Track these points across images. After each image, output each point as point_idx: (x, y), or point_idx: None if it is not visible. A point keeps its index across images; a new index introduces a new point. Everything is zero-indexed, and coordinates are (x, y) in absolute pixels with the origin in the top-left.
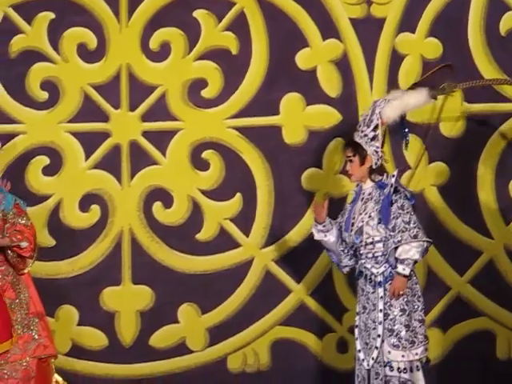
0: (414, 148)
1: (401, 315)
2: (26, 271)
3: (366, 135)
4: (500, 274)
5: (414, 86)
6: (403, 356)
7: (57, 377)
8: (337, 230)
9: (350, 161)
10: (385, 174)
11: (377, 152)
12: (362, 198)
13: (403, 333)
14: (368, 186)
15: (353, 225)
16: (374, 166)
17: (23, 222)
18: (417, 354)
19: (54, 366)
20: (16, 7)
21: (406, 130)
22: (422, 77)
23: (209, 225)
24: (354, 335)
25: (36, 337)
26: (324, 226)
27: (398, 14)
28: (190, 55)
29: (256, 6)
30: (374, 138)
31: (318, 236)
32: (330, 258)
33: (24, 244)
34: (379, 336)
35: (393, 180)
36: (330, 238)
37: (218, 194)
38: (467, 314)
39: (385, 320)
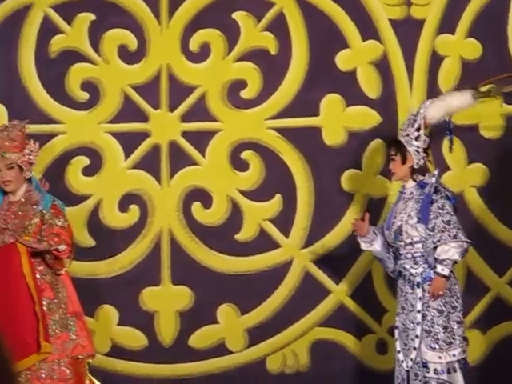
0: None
1: (438, 316)
2: (63, 272)
3: (408, 134)
4: None
5: (478, 90)
6: (440, 357)
7: (91, 377)
8: (382, 238)
9: (393, 159)
10: (427, 174)
11: (418, 152)
12: (404, 198)
13: (441, 334)
14: (410, 185)
15: (393, 224)
16: (415, 166)
17: (60, 223)
18: (454, 355)
19: (88, 365)
20: (56, 7)
21: (451, 131)
22: (490, 81)
23: (248, 225)
24: (394, 336)
25: (74, 337)
26: (368, 238)
27: (437, 15)
28: (229, 56)
29: (295, 6)
30: (417, 138)
31: (364, 246)
32: (383, 265)
33: (62, 247)
34: (417, 337)
35: (433, 179)
36: (376, 246)
37: (257, 194)
38: (507, 315)
39: (423, 321)
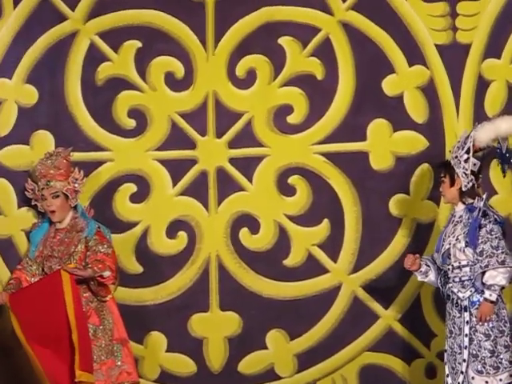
0: (499, 173)
1: (485, 340)
2: (108, 298)
3: (457, 157)
4: None
5: None
6: (487, 382)
7: None
8: (435, 267)
9: (442, 181)
10: (476, 198)
11: (466, 174)
12: (453, 221)
13: (487, 358)
14: (459, 208)
15: (442, 247)
16: (463, 189)
17: (104, 249)
18: (501, 380)
19: None
20: (102, 35)
21: (503, 156)
22: None
23: (296, 250)
24: (444, 359)
25: (119, 363)
26: (421, 271)
27: (483, 39)
28: (275, 81)
29: (341, 31)
30: (466, 161)
31: (420, 278)
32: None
33: (106, 273)
34: (464, 361)
35: (481, 203)
36: (431, 277)
37: (305, 219)
38: None
39: (470, 345)
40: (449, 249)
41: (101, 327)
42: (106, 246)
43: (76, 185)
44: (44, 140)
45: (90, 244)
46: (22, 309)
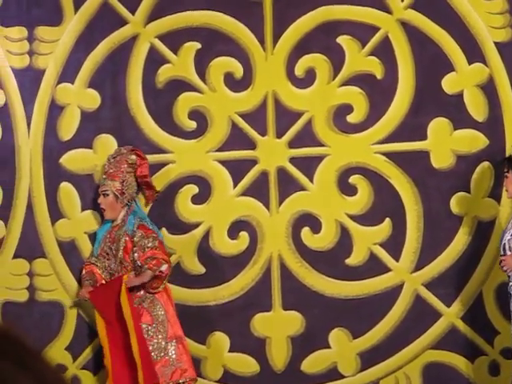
0: None
1: None
2: (161, 289)
3: None
4: None
5: None
6: None
7: None
8: None
9: (506, 177)
10: None
11: None
12: None
13: None
14: None
15: (501, 243)
16: None
17: (150, 244)
18: None
19: None
20: (162, 38)
21: None
22: None
23: (358, 250)
24: None
25: (173, 361)
26: None
27: None
28: (334, 81)
29: (400, 30)
30: None
31: None
32: None
33: (164, 267)
34: None
35: None
36: None
37: (366, 218)
38: None
39: None
40: (504, 245)
41: (154, 325)
42: (151, 239)
43: (124, 186)
44: (107, 143)
45: (135, 240)
46: (99, 305)
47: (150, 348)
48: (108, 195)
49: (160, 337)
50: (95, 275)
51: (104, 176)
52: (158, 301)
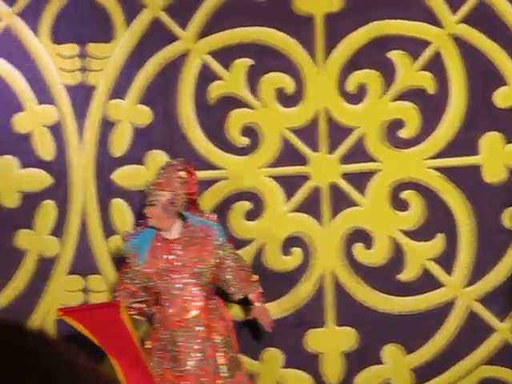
0: None
1: None
2: None
3: None
4: None
5: None
6: None
7: None
8: None
9: None
10: None
11: None
12: None
13: None
14: None
15: None
16: None
17: (243, 261)
18: None
19: None
20: (213, 54)
21: None
22: None
23: (411, 265)
24: None
25: (245, 377)
26: None
27: None
28: (386, 96)
29: (452, 44)
30: None
31: None
32: None
33: (255, 278)
34: None
35: None
36: None
37: (419, 234)
38: None
39: None
40: None
41: (228, 339)
42: (238, 255)
43: (175, 197)
44: (159, 159)
45: (223, 253)
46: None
47: (230, 361)
48: (156, 205)
49: (231, 352)
50: (134, 294)
51: (153, 187)
52: (225, 315)
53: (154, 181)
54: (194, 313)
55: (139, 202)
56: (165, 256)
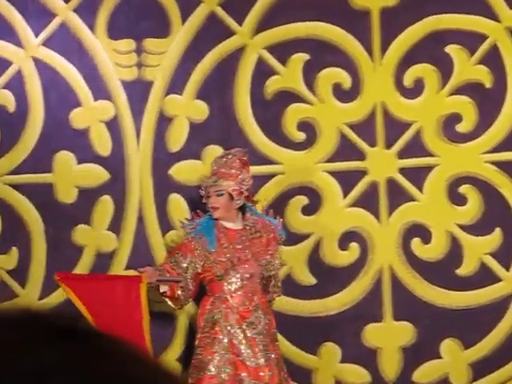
0: None
1: None
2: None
3: None
4: None
5: None
6: None
7: None
8: None
9: None
10: None
11: None
12: None
13: None
14: None
15: None
16: None
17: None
18: None
19: None
20: (270, 49)
21: None
22: None
23: (469, 260)
24: None
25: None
26: None
27: None
28: (443, 90)
29: (509, 38)
30: None
31: None
32: None
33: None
34: None
35: None
36: None
37: (476, 228)
38: None
39: None
40: None
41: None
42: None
43: (243, 186)
44: (215, 154)
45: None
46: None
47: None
48: (222, 195)
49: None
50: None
51: (214, 177)
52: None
53: (214, 171)
54: (257, 303)
55: (196, 197)
56: (231, 246)
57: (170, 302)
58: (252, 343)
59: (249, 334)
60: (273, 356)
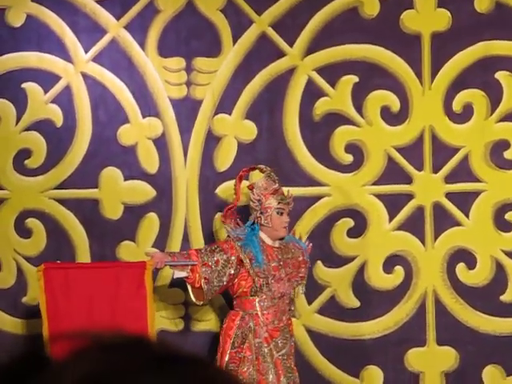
0: None
1: None
2: None
3: None
4: None
5: None
6: None
7: None
8: None
9: None
10: None
11: None
12: None
13: None
14: None
15: None
16: None
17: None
18: None
19: None
20: (320, 71)
21: None
22: None
23: None
24: None
25: None
26: None
27: None
28: (492, 116)
29: None
30: None
31: None
32: None
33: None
34: None
35: None
36: None
37: None
38: None
39: None
40: None
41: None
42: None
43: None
44: (262, 176)
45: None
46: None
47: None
48: (288, 214)
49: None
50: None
51: (283, 196)
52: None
53: (278, 189)
54: (285, 323)
55: (244, 216)
56: (269, 263)
57: (191, 293)
58: (277, 364)
59: (275, 355)
60: (296, 379)
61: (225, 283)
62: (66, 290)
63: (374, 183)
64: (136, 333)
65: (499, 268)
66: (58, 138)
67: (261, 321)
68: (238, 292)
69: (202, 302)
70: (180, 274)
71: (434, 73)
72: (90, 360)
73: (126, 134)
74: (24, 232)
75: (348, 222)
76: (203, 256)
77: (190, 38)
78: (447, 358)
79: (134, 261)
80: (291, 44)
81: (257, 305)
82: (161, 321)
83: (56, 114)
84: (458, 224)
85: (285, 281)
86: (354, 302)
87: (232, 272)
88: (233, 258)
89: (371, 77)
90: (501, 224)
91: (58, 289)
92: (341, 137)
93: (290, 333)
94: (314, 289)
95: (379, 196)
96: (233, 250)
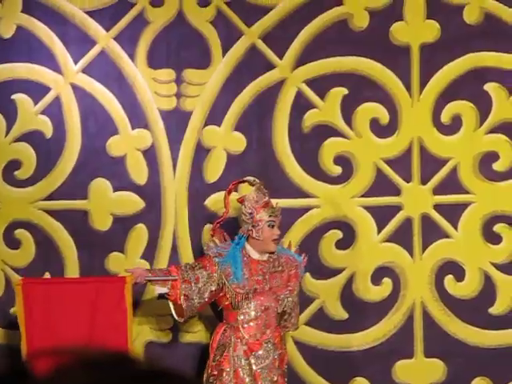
0: None
1: None
2: None
3: None
4: None
5: None
6: None
7: None
8: None
9: None
10: None
11: None
12: None
13: None
14: None
15: None
16: None
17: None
18: None
19: None
20: (309, 83)
21: None
22: None
23: (502, 299)
24: None
25: None
26: None
27: None
28: (481, 128)
29: None
30: None
31: None
32: None
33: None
34: None
35: None
36: None
37: (510, 267)
38: None
39: None
40: None
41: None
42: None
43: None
44: (252, 188)
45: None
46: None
47: None
48: (278, 226)
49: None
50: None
51: (273, 208)
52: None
53: (268, 202)
54: (269, 337)
55: (232, 228)
56: (252, 277)
57: (173, 310)
58: (256, 376)
59: (254, 368)
60: None
61: (206, 300)
62: (45, 304)
63: (363, 195)
64: (118, 349)
65: (488, 280)
66: (48, 149)
67: (241, 334)
68: (223, 304)
69: (182, 319)
70: (161, 289)
71: (423, 84)
72: (72, 377)
73: (115, 146)
74: (13, 243)
75: (337, 234)
76: (183, 273)
77: (179, 50)
78: (435, 370)
79: (114, 276)
80: (281, 56)
81: (238, 318)
82: (149, 332)
83: (46, 125)
84: (447, 236)
85: (269, 294)
86: (343, 314)
87: (213, 289)
88: (214, 274)
89: (360, 89)
90: (489, 236)
91: (37, 303)
92: (330, 149)
93: (275, 346)
94: (302, 301)
95: (368, 208)
96: (213, 266)
